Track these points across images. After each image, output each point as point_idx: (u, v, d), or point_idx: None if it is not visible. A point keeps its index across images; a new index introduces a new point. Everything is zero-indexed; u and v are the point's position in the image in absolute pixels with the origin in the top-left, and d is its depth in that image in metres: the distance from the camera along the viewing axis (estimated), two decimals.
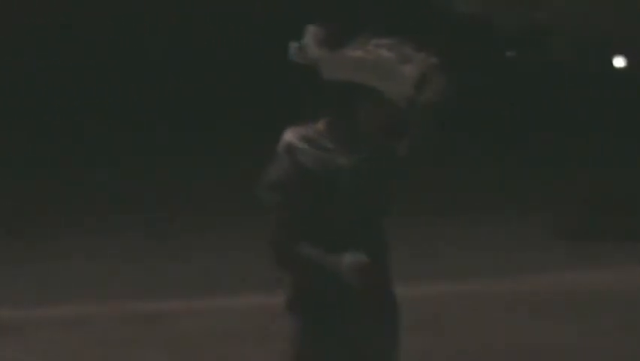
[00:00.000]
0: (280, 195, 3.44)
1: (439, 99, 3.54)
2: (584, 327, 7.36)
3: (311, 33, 3.50)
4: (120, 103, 25.94)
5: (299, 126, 3.54)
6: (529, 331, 7.24)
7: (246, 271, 9.72)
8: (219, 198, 14.73)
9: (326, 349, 3.51)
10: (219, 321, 7.32)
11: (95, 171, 16.96)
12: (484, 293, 8.54)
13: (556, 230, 12.63)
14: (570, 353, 6.73)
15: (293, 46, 3.44)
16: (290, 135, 3.50)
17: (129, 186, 15.63)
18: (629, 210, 13.99)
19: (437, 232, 11.70)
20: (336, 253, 3.44)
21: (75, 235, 11.79)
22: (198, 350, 6.62)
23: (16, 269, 9.87)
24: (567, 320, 7.59)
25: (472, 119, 21.96)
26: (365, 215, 3.51)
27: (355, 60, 3.46)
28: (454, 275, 9.20)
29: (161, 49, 34.50)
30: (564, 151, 20.49)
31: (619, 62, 24.04)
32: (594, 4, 12.35)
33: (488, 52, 27.08)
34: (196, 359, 6.54)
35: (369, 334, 3.53)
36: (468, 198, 14.68)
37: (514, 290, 8.71)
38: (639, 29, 12.77)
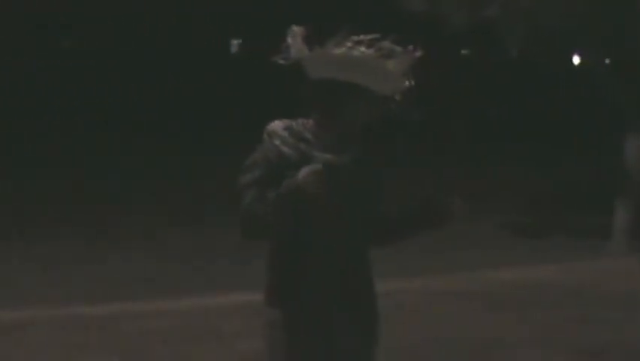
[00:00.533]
0: (253, 173, 3.40)
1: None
2: (536, 320, 7.31)
3: (295, 34, 3.41)
4: (109, 104, 25.66)
5: (288, 119, 3.51)
6: (484, 325, 7.15)
7: (193, 272, 9.57)
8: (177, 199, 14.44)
9: (302, 342, 3.46)
10: (165, 322, 7.06)
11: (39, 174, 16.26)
12: (441, 289, 8.40)
13: (509, 227, 12.74)
14: (522, 345, 6.66)
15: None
16: (275, 123, 3.48)
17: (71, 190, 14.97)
18: (581, 208, 14.32)
19: None
20: (312, 248, 3.42)
21: (23, 240, 11.20)
22: (143, 352, 6.37)
23: None
24: (520, 314, 7.51)
25: (427, 118, 21.99)
26: (342, 213, 3.43)
27: (339, 58, 3.36)
28: (412, 272, 9.09)
29: (160, 49, 34.38)
30: (519, 150, 20.25)
31: (577, 59, 23.94)
32: (541, 1, 12.14)
33: (443, 50, 26.96)
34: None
35: (346, 330, 3.48)
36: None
37: (469, 286, 8.57)
38: (586, 27, 13.05)
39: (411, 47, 3.42)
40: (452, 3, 12.50)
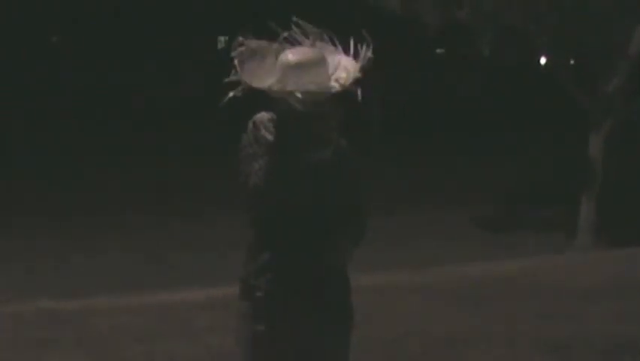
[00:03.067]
0: (250, 155, 3.35)
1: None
2: (500, 315, 7.11)
3: (239, 62, 3.34)
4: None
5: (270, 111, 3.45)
6: (449, 320, 6.96)
7: (164, 267, 9.40)
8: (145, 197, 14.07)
9: (269, 335, 3.40)
10: (136, 318, 6.82)
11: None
12: (406, 284, 8.21)
13: (475, 222, 12.66)
14: (487, 340, 6.48)
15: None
16: (261, 114, 3.45)
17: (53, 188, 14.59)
18: (546, 203, 14.25)
19: None
20: (284, 233, 3.37)
21: None
22: (115, 348, 6.16)
23: None
24: (485, 309, 7.30)
25: (400, 115, 21.85)
26: (321, 206, 3.38)
27: (283, 89, 3.25)
28: (378, 267, 8.85)
29: (147, 45, 34.10)
30: (485, 146, 20.14)
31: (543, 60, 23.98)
32: (510, 3, 12.21)
33: (418, 50, 26.85)
34: (113, 357, 6.04)
35: (318, 322, 3.42)
36: (392, 193, 14.12)
37: (434, 281, 8.37)
38: (551, 29, 12.99)
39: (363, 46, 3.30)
40: (426, 5, 12.52)
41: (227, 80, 3.35)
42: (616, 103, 12.63)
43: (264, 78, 3.30)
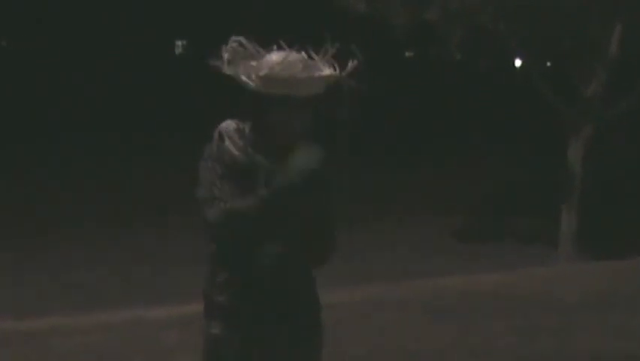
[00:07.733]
0: (212, 179, 3.26)
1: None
2: (478, 329, 7.13)
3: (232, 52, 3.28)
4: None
5: (237, 120, 3.37)
6: (425, 335, 6.96)
7: (126, 284, 9.36)
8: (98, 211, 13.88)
9: (240, 355, 3.35)
10: (100, 337, 6.77)
11: None
12: (383, 298, 8.22)
13: (453, 234, 12.74)
14: (464, 355, 6.49)
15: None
16: (227, 123, 3.36)
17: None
18: (523, 213, 14.32)
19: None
20: (253, 245, 3.29)
21: None
22: None
23: None
24: (462, 323, 7.31)
25: (369, 122, 21.83)
26: (284, 221, 3.31)
27: (264, 78, 3.22)
28: (355, 280, 8.96)
29: (104, 49, 33.96)
30: (459, 155, 20.19)
31: (519, 62, 24.07)
32: (479, 2, 12.26)
33: (387, 52, 26.86)
34: None
35: (285, 340, 3.38)
36: (366, 204, 14.15)
37: (411, 295, 8.37)
38: (523, 28, 13.03)
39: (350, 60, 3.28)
40: (394, 6, 12.52)
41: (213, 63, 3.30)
42: (595, 108, 12.63)
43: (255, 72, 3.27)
